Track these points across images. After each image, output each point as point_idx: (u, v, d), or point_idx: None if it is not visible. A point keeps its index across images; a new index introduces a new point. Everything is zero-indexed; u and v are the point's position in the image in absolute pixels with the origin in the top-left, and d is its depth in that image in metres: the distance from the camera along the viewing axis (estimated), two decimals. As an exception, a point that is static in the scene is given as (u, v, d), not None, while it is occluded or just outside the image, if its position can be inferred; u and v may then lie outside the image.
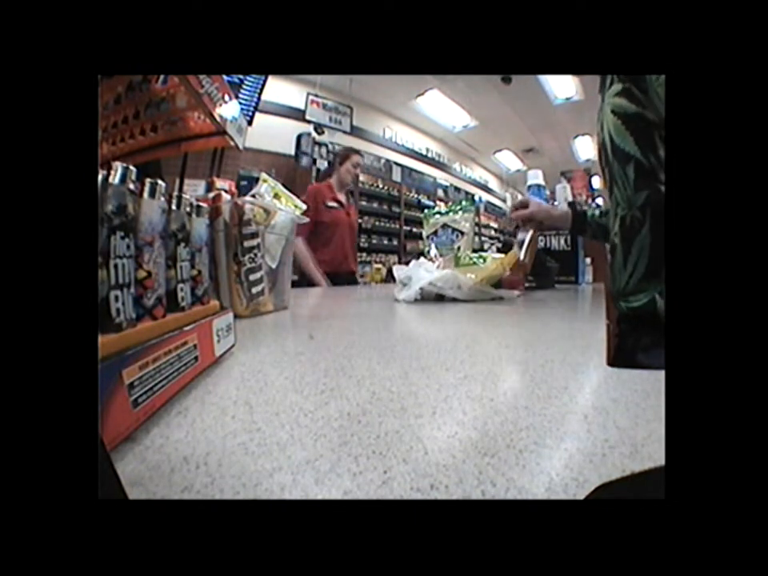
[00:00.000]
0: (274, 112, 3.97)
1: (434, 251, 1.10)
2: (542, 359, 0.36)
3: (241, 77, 2.45)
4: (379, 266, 4.24)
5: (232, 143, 1.67)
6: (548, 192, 1.69)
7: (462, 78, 4.26)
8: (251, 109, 2.51)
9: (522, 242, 0.98)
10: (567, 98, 4.71)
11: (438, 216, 1.25)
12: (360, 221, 3.99)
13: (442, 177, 6.25)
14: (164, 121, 1.39)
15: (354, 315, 0.77)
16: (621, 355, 0.70)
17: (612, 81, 0.68)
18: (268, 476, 0.17)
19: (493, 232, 6.51)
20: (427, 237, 1.27)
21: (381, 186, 5.06)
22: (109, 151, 1.34)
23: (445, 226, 1.22)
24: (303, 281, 1.79)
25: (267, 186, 0.74)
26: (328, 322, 0.65)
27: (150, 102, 1.33)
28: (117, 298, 0.22)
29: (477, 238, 1.70)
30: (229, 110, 1.52)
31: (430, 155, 6.09)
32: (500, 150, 6.67)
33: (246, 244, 0.62)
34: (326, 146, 4.28)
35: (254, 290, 0.64)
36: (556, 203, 1.77)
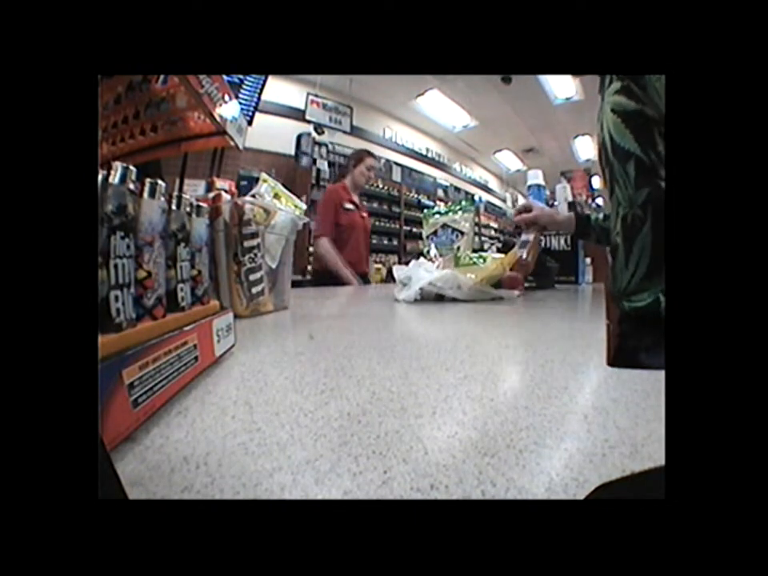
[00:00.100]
0: (274, 112, 3.97)
1: (433, 251, 1.10)
2: (542, 359, 0.36)
3: (241, 77, 2.45)
4: (379, 266, 4.24)
5: (232, 143, 1.66)
6: (548, 192, 1.69)
7: (462, 78, 4.26)
8: (251, 109, 2.51)
9: (525, 243, 0.99)
10: (567, 98, 4.71)
11: (437, 216, 1.25)
12: (360, 221, 3.99)
13: (441, 177, 6.25)
14: (164, 121, 1.39)
15: (354, 315, 0.77)
16: (622, 355, 0.70)
17: (611, 80, 0.68)
18: (268, 476, 0.17)
19: (493, 232, 6.51)
20: (427, 237, 1.27)
21: (381, 185, 5.05)
22: (109, 151, 1.34)
23: (445, 226, 1.22)
24: (330, 280, 1.78)
25: (267, 186, 0.74)
26: (328, 322, 0.65)
27: (150, 102, 1.33)
28: (117, 297, 0.22)
29: (477, 238, 1.70)
30: (229, 109, 1.52)
31: (430, 155, 6.09)
32: (500, 150, 6.67)
33: (246, 244, 0.62)
34: (326, 145, 4.28)
35: (254, 290, 0.64)
36: (556, 203, 1.76)
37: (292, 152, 4.11)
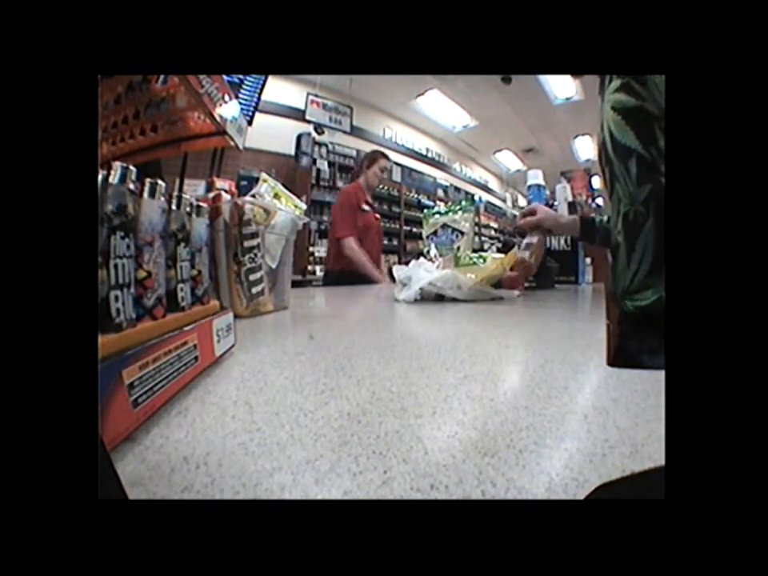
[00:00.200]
0: (274, 112, 3.97)
1: (433, 251, 1.10)
2: (542, 359, 0.36)
3: (241, 77, 2.45)
4: (379, 265, 4.24)
5: (232, 143, 1.66)
6: (548, 192, 1.69)
7: (462, 78, 4.26)
8: (251, 109, 2.51)
9: (529, 245, 0.98)
10: (567, 98, 4.71)
11: (437, 216, 1.25)
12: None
13: (442, 177, 6.25)
14: (164, 121, 1.39)
15: (354, 315, 0.77)
16: (622, 355, 0.70)
17: (611, 79, 0.68)
18: (268, 476, 0.17)
19: (493, 232, 6.51)
20: (427, 237, 1.27)
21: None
22: (109, 151, 1.34)
23: (445, 226, 1.22)
24: (344, 280, 1.77)
25: (267, 186, 0.74)
26: (328, 322, 0.65)
27: (150, 102, 1.33)
28: (117, 298, 0.22)
29: (477, 238, 1.70)
30: (229, 109, 1.52)
31: (430, 155, 6.09)
32: (500, 150, 6.67)
33: (246, 244, 0.62)
34: (326, 145, 4.28)
35: (254, 290, 0.64)
36: (556, 203, 1.76)
37: (292, 152, 4.11)
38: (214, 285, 0.58)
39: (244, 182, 3.00)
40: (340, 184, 4.36)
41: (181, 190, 1.83)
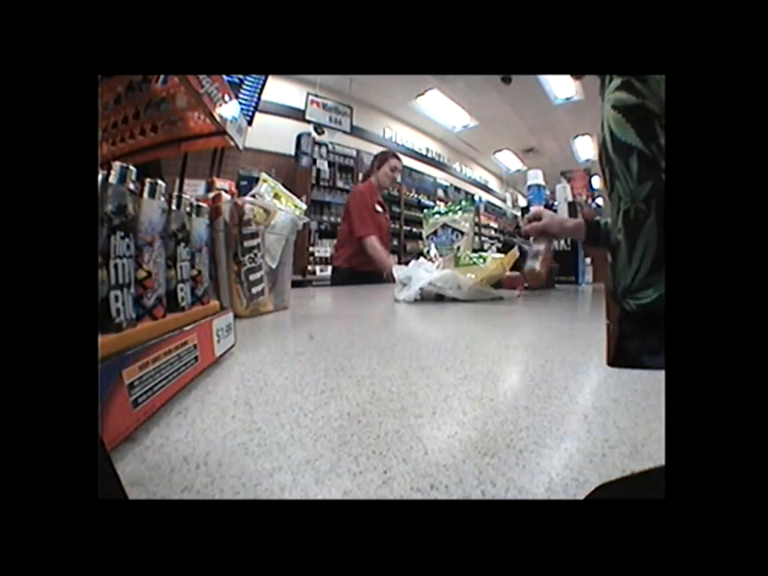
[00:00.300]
0: (274, 112, 3.96)
1: (433, 251, 1.10)
2: (542, 359, 0.36)
3: (241, 77, 2.45)
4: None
5: (232, 143, 1.66)
6: (548, 192, 1.69)
7: (462, 78, 4.26)
8: (251, 109, 2.51)
9: (537, 254, 0.98)
10: (567, 98, 4.71)
11: (437, 216, 1.25)
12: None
13: (442, 177, 6.24)
14: (164, 121, 1.39)
15: (354, 315, 0.77)
16: (622, 355, 0.70)
17: (611, 79, 0.68)
18: (268, 476, 0.17)
19: (493, 232, 6.51)
20: (427, 237, 1.27)
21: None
22: (109, 151, 1.33)
23: (445, 226, 1.22)
24: (368, 278, 1.78)
25: (267, 186, 0.74)
26: (328, 322, 0.65)
27: (150, 102, 1.33)
28: (117, 298, 0.22)
29: (477, 238, 1.70)
30: (229, 109, 1.52)
31: (430, 155, 6.09)
32: (500, 150, 6.67)
33: (246, 244, 0.62)
34: (326, 145, 4.28)
35: (254, 290, 0.64)
36: (556, 203, 1.76)
37: (292, 152, 4.11)
38: (214, 285, 0.58)
39: (244, 182, 3.00)
40: (340, 184, 4.36)
41: (181, 189, 1.83)
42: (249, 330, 0.52)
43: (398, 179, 2.01)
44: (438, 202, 5.57)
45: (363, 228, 1.85)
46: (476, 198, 6.93)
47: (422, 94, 4.77)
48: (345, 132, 4.54)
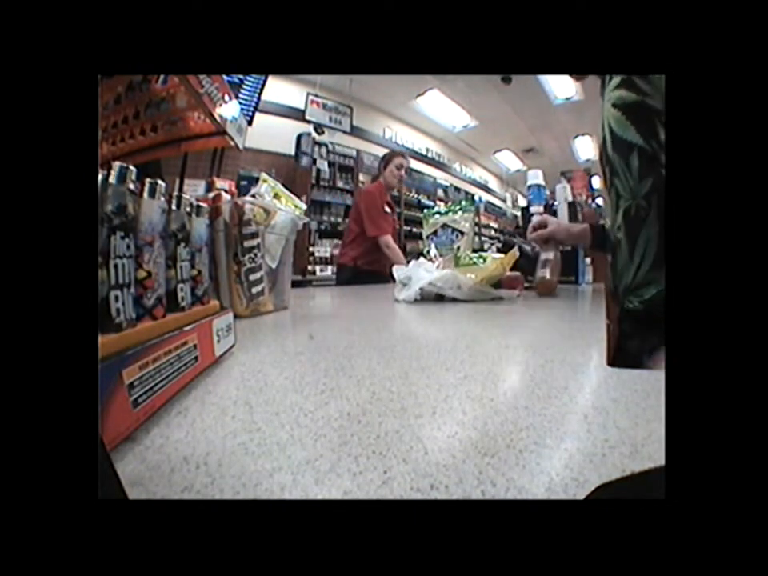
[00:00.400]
0: (274, 112, 3.96)
1: (433, 251, 1.10)
2: (542, 359, 0.36)
3: (241, 77, 2.45)
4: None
5: (232, 143, 1.66)
6: (548, 192, 1.69)
7: (462, 78, 4.26)
8: (251, 109, 2.51)
9: (546, 262, 0.98)
10: (567, 98, 4.71)
11: (437, 216, 1.25)
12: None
13: (442, 177, 6.24)
14: (164, 121, 1.39)
15: (354, 315, 0.77)
16: (622, 355, 0.70)
17: (611, 78, 0.68)
18: (268, 476, 0.17)
19: (493, 232, 6.50)
20: (427, 237, 1.27)
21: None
22: (109, 151, 1.33)
23: (445, 226, 1.22)
24: (375, 278, 1.78)
25: (267, 186, 0.74)
26: (328, 322, 0.65)
27: (150, 102, 1.33)
28: (117, 297, 0.22)
29: (477, 238, 1.70)
30: (229, 109, 1.52)
31: (430, 155, 6.08)
32: (500, 150, 6.67)
33: (246, 244, 0.62)
34: (326, 145, 4.28)
35: (254, 290, 0.64)
36: (556, 203, 1.76)
37: (292, 152, 4.10)
38: (214, 285, 0.58)
39: (244, 182, 3.00)
40: (340, 184, 4.36)
41: (181, 190, 1.83)
42: (249, 330, 0.52)
43: (405, 177, 2.01)
44: (438, 202, 5.56)
45: (377, 228, 1.86)
46: (476, 197, 6.93)
47: (422, 94, 4.77)
48: (345, 132, 4.54)
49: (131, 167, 0.23)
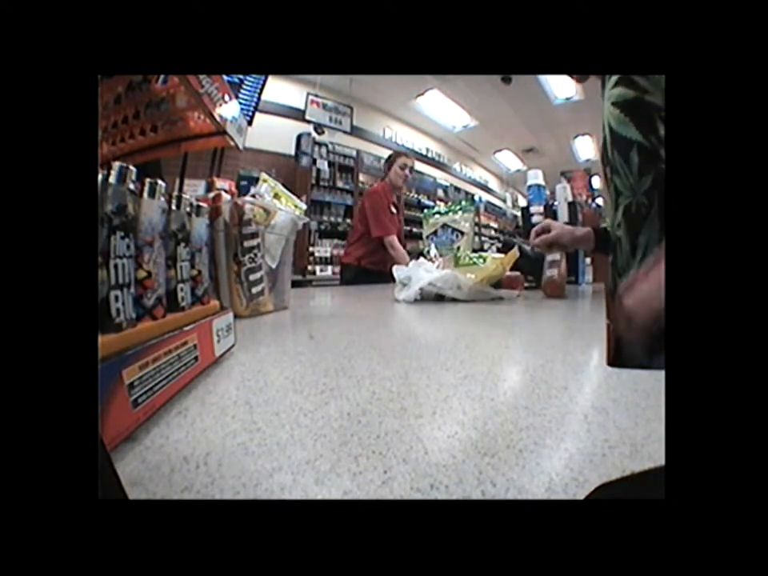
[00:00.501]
0: (274, 112, 3.96)
1: (433, 251, 1.10)
2: (542, 359, 0.36)
3: (241, 77, 2.45)
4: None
5: (232, 143, 1.66)
6: (548, 192, 1.69)
7: (462, 78, 4.26)
8: (251, 109, 2.51)
9: (553, 263, 0.98)
10: (567, 98, 4.71)
11: (437, 216, 1.25)
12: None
13: (442, 177, 6.24)
14: (164, 121, 1.39)
15: (354, 315, 0.77)
16: (622, 355, 0.70)
17: (611, 75, 0.68)
18: (268, 476, 0.17)
19: (493, 232, 6.50)
20: (427, 237, 1.27)
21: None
22: (109, 151, 1.34)
23: (445, 226, 1.22)
24: (379, 278, 1.78)
25: (267, 186, 0.74)
26: (328, 322, 0.65)
27: (149, 102, 1.33)
28: (117, 297, 0.22)
29: (477, 238, 1.70)
30: (229, 109, 1.52)
31: (429, 155, 6.08)
32: (500, 150, 6.66)
33: (246, 244, 0.62)
34: (326, 145, 4.28)
35: (254, 290, 0.64)
36: (556, 203, 1.76)
37: (292, 152, 4.10)
38: (214, 285, 0.58)
39: (244, 182, 3.00)
40: (340, 184, 4.36)
41: (181, 190, 1.83)
42: (249, 329, 0.52)
43: (410, 176, 2.02)
44: (438, 202, 5.56)
45: (382, 228, 1.86)
46: (476, 197, 6.93)
47: (422, 93, 4.77)
48: (345, 132, 4.54)
49: (131, 167, 0.23)
